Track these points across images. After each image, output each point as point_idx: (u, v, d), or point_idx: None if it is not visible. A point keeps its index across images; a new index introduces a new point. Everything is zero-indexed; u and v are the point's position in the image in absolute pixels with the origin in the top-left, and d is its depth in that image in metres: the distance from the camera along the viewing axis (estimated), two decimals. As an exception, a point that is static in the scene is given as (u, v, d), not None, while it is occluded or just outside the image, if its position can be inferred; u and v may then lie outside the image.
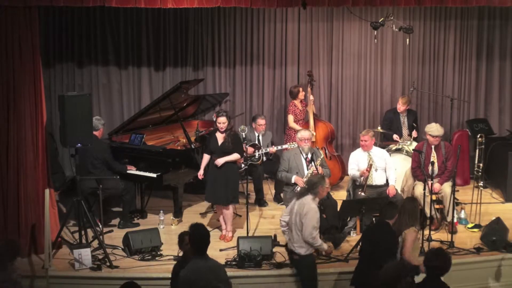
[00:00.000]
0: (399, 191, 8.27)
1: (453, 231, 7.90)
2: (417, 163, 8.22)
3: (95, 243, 7.57)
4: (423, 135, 8.69)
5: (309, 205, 6.62)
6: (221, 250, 7.60)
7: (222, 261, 7.06)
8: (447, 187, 8.13)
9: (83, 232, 7.48)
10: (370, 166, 8.07)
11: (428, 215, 7.94)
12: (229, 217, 7.92)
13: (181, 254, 6.25)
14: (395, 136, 9.51)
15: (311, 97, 9.82)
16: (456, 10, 10.40)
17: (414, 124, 9.72)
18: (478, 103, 10.83)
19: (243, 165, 8.52)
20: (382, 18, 8.77)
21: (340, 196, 8.72)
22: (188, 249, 5.70)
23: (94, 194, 8.03)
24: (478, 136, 9.40)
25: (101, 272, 7.07)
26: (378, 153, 8.27)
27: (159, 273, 7.01)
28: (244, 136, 8.08)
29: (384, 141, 9.68)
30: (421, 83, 10.63)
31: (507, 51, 10.64)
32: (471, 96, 10.78)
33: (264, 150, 9.20)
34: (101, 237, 7.53)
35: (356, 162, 8.22)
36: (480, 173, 9.11)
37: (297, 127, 9.45)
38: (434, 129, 8.20)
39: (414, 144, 9.02)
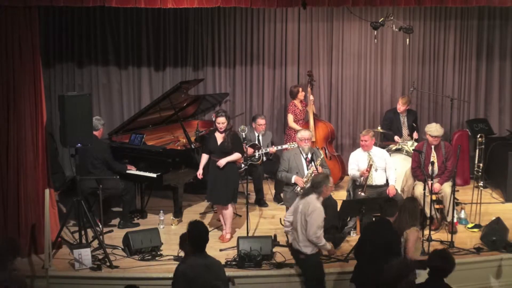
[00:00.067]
0: (399, 191, 8.27)
1: (453, 231, 7.90)
2: (417, 163, 8.22)
3: (95, 243, 7.57)
4: (423, 135, 8.69)
5: (314, 204, 6.62)
6: (221, 250, 7.60)
7: (222, 261, 7.05)
8: (447, 187, 8.13)
9: (83, 232, 7.48)
10: (370, 166, 8.07)
11: (428, 215, 7.95)
12: (228, 217, 7.91)
13: (181, 254, 6.25)
14: (396, 138, 9.51)
15: (311, 97, 9.82)
16: (456, 10, 10.40)
17: (414, 124, 9.72)
18: (478, 103, 10.83)
19: (243, 165, 8.53)
20: (382, 18, 8.77)
21: (340, 196, 8.72)
22: (189, 249, 5.70)
23: (94, 194, 8.03)
24: (478, 136, 9.40)
25: (101, 272, 7.07)
26: (378, 153, 8.27)
27: (159, 273, 7.01)
28: (244, 136, 8.08)
29: (384, 141, 9.68)
30: (421, 83, 10.63)
31: (507, 51, 10.64)
32: (471, 96, 10.78)
33: (264, 150, 9.20)
34: (101, 237, 7.53)
35: (356, 162, 8.22)
36: (480, 173, 9.11)
37: (297, 127, 9.45)
38: (433, 129, 8.20)
39: (414, 144, 9.03)
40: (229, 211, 7.88)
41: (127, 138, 8.86)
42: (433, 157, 8.19)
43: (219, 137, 7.77)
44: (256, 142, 9.31)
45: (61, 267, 7.19)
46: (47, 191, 7.22)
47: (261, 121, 9.34)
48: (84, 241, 7.48)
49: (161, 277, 6.90)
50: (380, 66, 10.56)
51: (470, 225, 8.35)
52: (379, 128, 9.65)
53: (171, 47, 10.04)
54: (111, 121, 9.82)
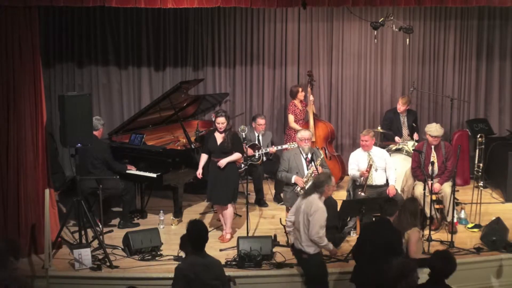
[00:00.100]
0: (399, 191, 8.27)
1: (453, 231, 7.90)
2: (417, 163, 8.22)
3: (95, 243, 7.56)
4: (423, 135, 8.69)
5: (317, 204, 6.61)
6: (221, 250, 7.60)
7: (222, 261, 7.04)
8: (447, 187, 8.13)
9: (83, 232, 7.48)
10: (370, 167, 8.07)
11: (428, 215, 7.94)
12: (229, 217, 7.91)
13: (181, 254, 6.25)
14: (397, 139, 9.51)
15: (311, 97, 9.82)
16: (456, 10, 10.41)
17: (414, 124, 9.73)
18: (478, 103, 10.84)
19: (243, 165, 8.53)
20: (382, 18, 8.77)
21: (340, 196, 8.72)
22: (189, 248, 5.69)
23: (94, 194, 8.03)
24: (478, 136, 9.40)
25: (101, 272, 7.07)
26: (378, 153, 8.27)
27: (159, 273, 7.01)
28: (244, 136, 8.08)
29: (384, 141, 9.68)
30: (421, 83, 10.63)
31: (507, 51, 10.64)
32: (471, 96, 10.78)
33: (264, 150, 9.20)
34: (101, 237, 7.52)
35: (356, 162, 8.22)
36: (480, 173, 9.11)
37: (297, 127, 9.45)
38: (433, 129, 8.20)
39: (415, 144, 9.02)
40: (229, 211, 7.88)
41: (127, 138, 8.86)
42: (433, 157, 8.19)
43: (219, 137, 7.77)
44: (256, 142, 9.31)
45: (61, 267, 7.19)
46: (47, 191, 7.23)
47: (261, 121, 9.34)
48: (84, 241, 7.48)
49: (161, 277, 6.90)
50: (380, 66, 10.56)
51: (470, 225, 8.35)
52: (379, 128, 9.65)
53: (171, 47, 10.04)
54: (111, 121, 9.83)
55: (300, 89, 9.74)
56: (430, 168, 7.77)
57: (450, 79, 10.68)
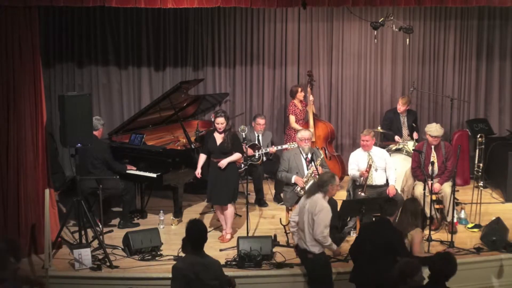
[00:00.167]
0: (399, 191, 8.27)
1: (453, 231, 7.90)
2: (417, 163, 8.22)
3: (95, 243, 7.56)
4: (423, 135, 8.69)
5: (321, 203, 6.61)
6: (221, 250, 7.60)
7: (222, 261, 7.05)
8: (447, 187, 8.13)
9: (83, 232, 7.47)
10: (369, 167, 8.07)
11: (428, 215, 7.94)
12: (229, 217, 7.91)
13: (181, 254, 6.24)
14: (396, 138, 9.51)
15: (311, 97, 9.82)
16: (456, 10, 10.41)
17: (414, 124, 9.73)
18: (478, 103, 10.84)
19: (243, 165, 8.53)
20: (382, 18, 8.77)
21: (340, 196, 8.69)
22: (188, 248, 5.69)
23: (94, 194, 8.03)
24: (478, 136, 9.40)
25: (101, 272, 7.07)
26: (378, 153, 8.27)
27: (159, 273, 7.01)
28: (244, 136, 8.08)
29: (384, 141, 9.68)
30: (421, 83, 10.63)
31: (507, 51, 10.65)
32: (471, 96, 10.78)
33: (264, 150, 9.20)
34: (101, 237, 7.52)
35: (356, 162, 8.22)
36: (480, 173, 9.11)
37: (299, 127, 9.44)
38: (433, 129, 8.20)
39: (415, 144, 9.03)
40: (229, 211, 7.88)
41: (127, 138, 8.86)
42: (433, 157, 8.19)
43: (218, 138, 7.76)
44: (256, 142, 9.31)
45: (61, 267, 7.19)
46: (47, 191, 7.22)
47: (260, 121, 9.34)
48: (84, 241, 7.48)
49: (161, 277, 6.90)
50: (380, 66, 10.56)
51: (470, 225, 8.35)
52: (379, 128, 9.65)
53: (171, 47, 10.04)
54: (111, 121, 9.82)
55: (299, 89, 9.74)
56: (430, 168, 7.77)
57: (450, 79, 10.68)
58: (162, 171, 8.36)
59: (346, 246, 7.70)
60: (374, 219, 7.64)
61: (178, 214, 8.57)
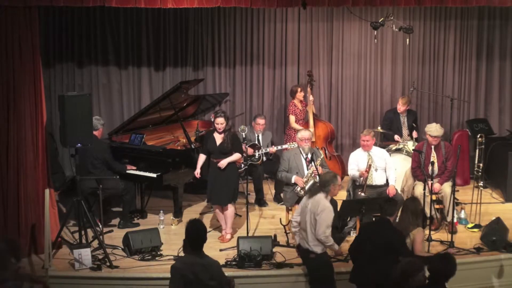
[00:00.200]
0: (399, 191, 8.27)
1: (453, 231, 7.90)
2: (417, 163, 8.22)
3: (95, 243, 7.56)
4: (423, 135, 8.69)
5: (324, 203, 6.62)
6: (221, 250, 7.60)
7: (222, 261, 7.06)
8: (447, 187, 8.13)
9: (83, 232, 7.47)
10: (369, 167, 8.06)
11: (428, 215, 7.94)
12: (229, 217, 7.91)
13: (182, 255, 6.24)
14: (396, 137, 9.51)
15: (311, 97, 9.82)
16: (456, 10, 10.41)
17: (414, 124, 9.73)
18: (478, 103, 10.84)
19: (243, 165, 8.53)
20: (382, 18, 8.78)
21: (340, 196, 8.67)
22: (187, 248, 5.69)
23: (94, 194, 8.03)
24: (478, 136, 9.40)
25: (101, 272, 7.06)
26: (378, 153, 8.27)
27: (159, 273, 7.01)
28: (244, 136, 8.08)
29: (384, 141, 9.68)
30: (421, 83, 10.63)
31: (507, 51, 10.65)
32: (471, 96, 10.79)
33: (264, 150, 9.20)
34: (101, 237, 7.52)
35: (356, 162, 8.22)
36: (480, 173, 9.11)
37: (299, 127, 9.43)
38: (433, 129, 8.20)
39: (415, 144, 9.02)
40: (230, 211, 7.87)
41: (127, 138, 8.86)
42: (433, 157, 8.19)
43: (218, 138, 7.76)
44: (256, 142, 9.31)
45: (61, 267, 7.19)
46: (47, 191, 7.23)
47: (260, 121, 9.34)
48: (84, 241, 7.47)
49: (161, 277, 6.90)
50: (380, 66, 10.56)
51: (470, 225, 8.35)
52: (379, 128, 9.65)
53: (171, 47, 10.04)
54: (111, 121, 9.83)
55: (299, 89, 9.74)
56: (430, 168, 7.77)
57: (450, 79, 10.68)
58: (162, 171, 8.36)
59: (346, 246, 7.69)
60: (374, 219, 7.64)
61: (178, 214, 8.57)
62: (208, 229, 7.96)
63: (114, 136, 9.01)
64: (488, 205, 8.98)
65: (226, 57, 10.25)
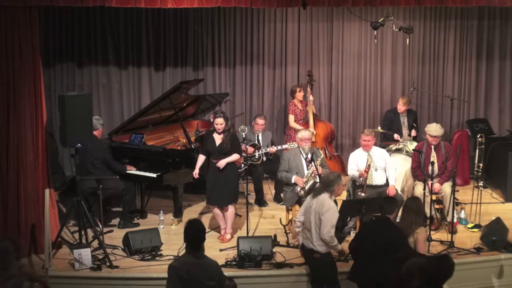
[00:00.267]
0: (399, 191, 8.26)
1: (453, 231, 7.90)
2: (417, 163, 8.22)
3: (95, 243, 7.56)
4: (423, 135, 8.69)
5: (328, 203, 6.63)
6: (221, 250, 7.60)
7: (222, 261, 7.07)
8: (447, 187, 8.13)
9: (83, 232, 7.47)
10: (368, 167, 8.06)
11: (428, 215, 7.94)
12: (229, 217, 7.90)
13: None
14: (396, 136, 9.52)
15: (311, 97, 9.82)
16: (456, 10, 10.41)
17: (414, 124, 9.73)
18: (478, 103, 10.84)
19: (243, 165, 8.52)
20: (382, 18, 8.77)
21: (340, 196, 8.70)
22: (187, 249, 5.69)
23: (94, 194, 8.03)
24: (478, 136, 9.40)
25: (101, 272, 7.07)
26: (378, 153, 8.27)
27: (159, 273, 6.99)
28: (244, 136, 8.08)
29: (384, 141, 9.68)
30: (421, 83, 10.63)
31: (507, 51, 10.65)
32: (471, 96, 10.79)
33: (264, 150, 9.20)
34: (101, 237, 7.52)
35: (356, 162, 8.21)
36: (480, 173, 9.11)
37: (298, 126, 9.45)
38: (433, 129, 8.20)
39: (414, 144, 9.02)
40: (230, 212, 7.87)
41: (127, 138, 8.86)
42: (433, 157, 8.18)
43: (218, 138, 7.76)
44: (256, 142, 9.31)
45: (61, 267, 7.19)
46: (47, 191, 7.23)
47: (259, 121, 9.34)
48: (84, 241, 7.48)
49: (161, 277, 6.87)
50: (380, 66, 10.56)
51: (470, 225, 8.35)
52: (379, 128, 9.65)
53: (171, 47, 10.04)
54: (111, 121, 9.83)
55: (298, 89, 9.74)
56: (430, 168, 7.77)
57: (450, 79, 10.68)
58: (162, 171, 8.36)
59: (346, 246, 7.67)
60: (373, 218, 7.64)
61: (178, 214, 8.57)
62: (208, 229, 7.97)
63: (114, 136, 9.01)
64: (488, 205, 8.98)
65: (226, 57, 10.25)
